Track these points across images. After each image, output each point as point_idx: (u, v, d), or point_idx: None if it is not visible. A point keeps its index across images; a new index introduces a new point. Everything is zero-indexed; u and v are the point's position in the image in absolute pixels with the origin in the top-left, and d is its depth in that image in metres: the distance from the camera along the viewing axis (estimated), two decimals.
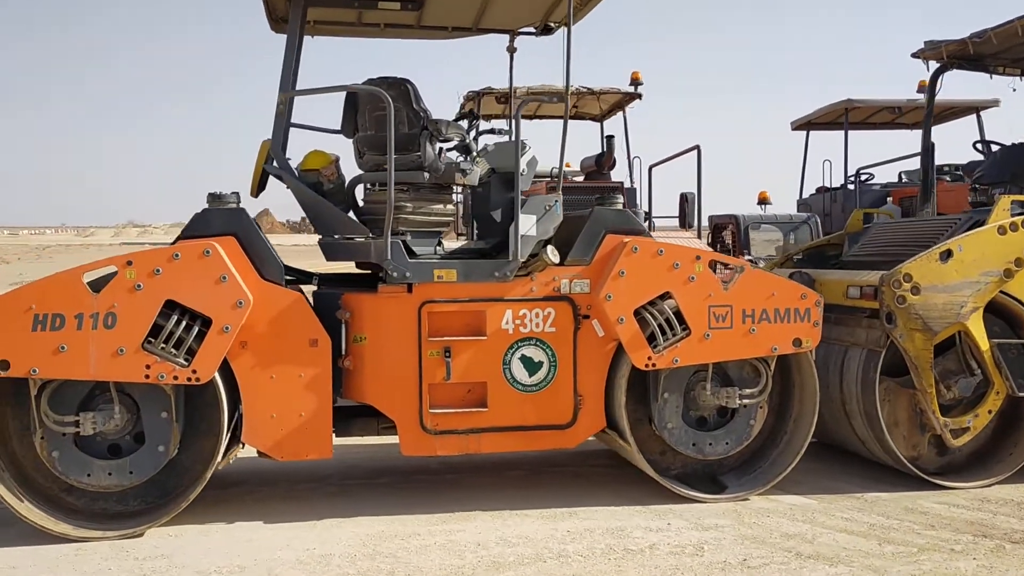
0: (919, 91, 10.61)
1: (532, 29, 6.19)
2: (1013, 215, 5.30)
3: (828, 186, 11.22)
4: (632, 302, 4.85)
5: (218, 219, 4.67)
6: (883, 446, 5.30)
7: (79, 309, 4.37)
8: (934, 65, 6.76)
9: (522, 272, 4.88)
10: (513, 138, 4.84)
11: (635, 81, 9.57)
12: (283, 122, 4.99)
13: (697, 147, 7.76)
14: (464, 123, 5.37)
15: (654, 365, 4.88)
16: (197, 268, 4.51)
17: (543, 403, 4.92)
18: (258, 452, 4.83)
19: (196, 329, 4.49)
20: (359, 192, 5.20)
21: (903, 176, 11.53)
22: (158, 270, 4.45)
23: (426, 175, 4.94)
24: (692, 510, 4.87)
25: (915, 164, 11.23)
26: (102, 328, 4.39)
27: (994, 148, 7.13)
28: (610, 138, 9.45)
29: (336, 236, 4.99)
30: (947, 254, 5.16)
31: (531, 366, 4.90)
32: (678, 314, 4.90)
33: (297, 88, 5.12)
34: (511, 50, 6.22)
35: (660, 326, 4.87)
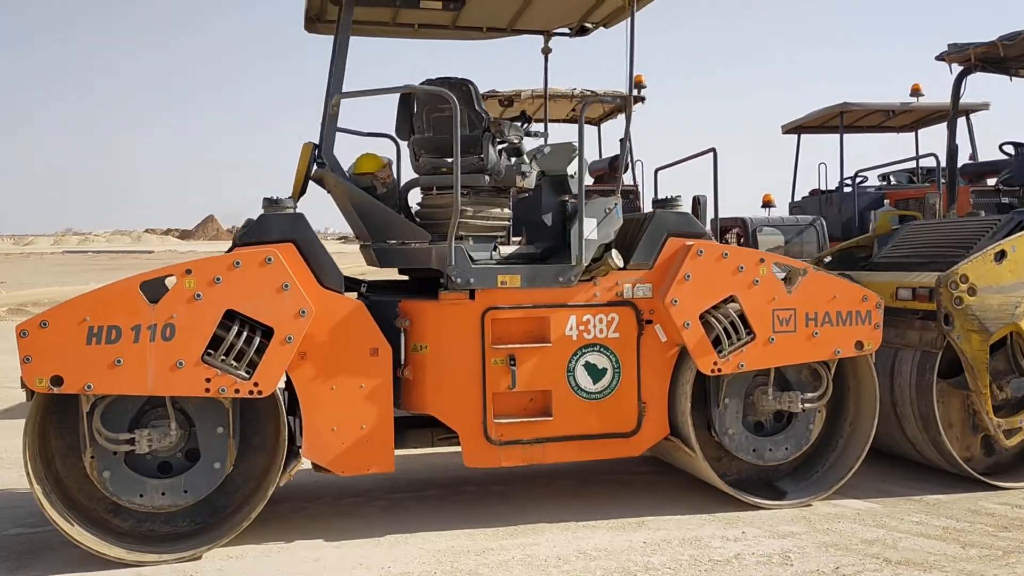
0: (912, 95, 10.74)
1: (567, 30, 6.10)
2: None
3: (823, 189, 11.29)
4: (698, 306, 4.77)
5: (276, 225, 4.48)
6: (938, 448, 5.29)
7: (136, 320, 4.15)
8: (957, 68, 6.80)
9: (585, 277, 4.77)
10: (577, 140, 4.71)
11: (638, 84, 9.51)
12: (333, 124, 4.81)
13: (713, 150, 7.72)
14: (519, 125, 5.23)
15: (720, 370, 4.80)
16: (258, 276, 4.31)
17: (607, 411, 4.81)
18: (314, 467, 4.64)
19: (257, 340, 4.29)
20: (412, 196, 5.04)
21: (892, 179, 11.66)
22: (218, 279, 4.25)
23: (487, 178, 4.80)
24: (759, 517, 4.80)
25: (906, 167, 11.38)
26: (160, 340, 4.17)
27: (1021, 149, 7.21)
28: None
29: (392, 241, 4.83)
30: (1001, 255, 5.17)
31: (595, 373, 4.78)
32: (742, 318, 4.83)
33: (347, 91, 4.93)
34: (546, 51, 6.11)
35: (725, 330, 4.79)
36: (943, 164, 10.49)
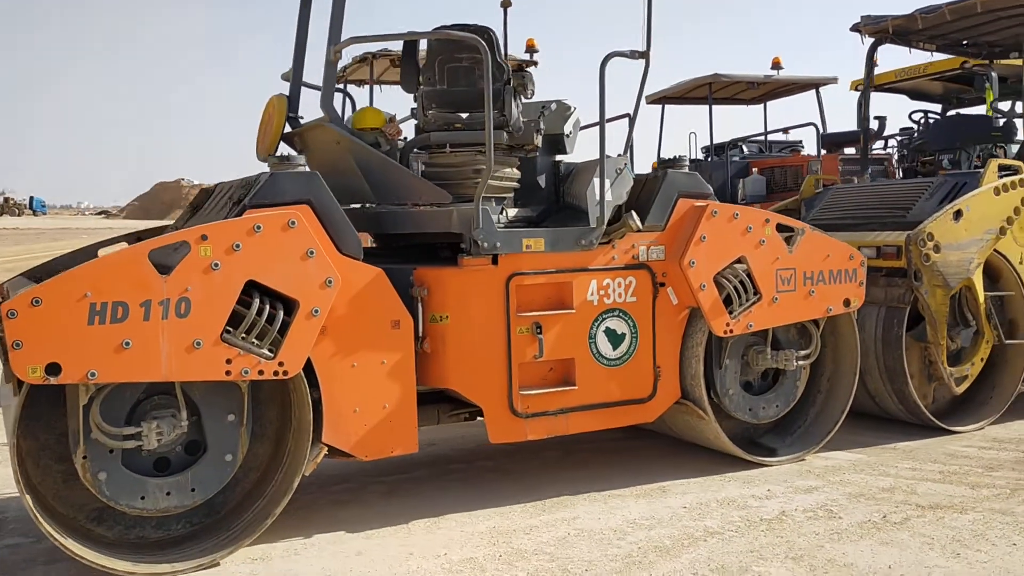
0: (772, 68, 11.27)
1: None
2: (1000, 177, 5.74)
3: (694, 158, 11.63)
4: (712, 268, 4.73)
5: (290, 185, 3.97)
6: (902, 398, 5.59)
7: (146, 295, 3.55)
8: (868, 40, 7.16)
9: (604, 240, 4.60)
10: (599, 98, 4.48)
11: (530, 48, 9.34)
12: (333, 74, 4.33)
13: (628, 115, 7.72)
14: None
15: (731, 331, 4.79)
16: (281, 242, 3.81)
17: (626, 377, 4.68)
18: (330, 452, 4.20)
19: (280, 314, 3.80)
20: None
21: (744, 148, 12.22)
22: (237, 245, 3.71)
23: (505, 135, 4.50)
24: (765, 475, 4.87)
25: (777, 137, 11.95)
26: (174, 318, 3.60)
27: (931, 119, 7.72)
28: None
29: (406, 204, 4.43)
30: (958, 214, 5.50)
31: (615, 339, 4.64)
32: (748, 279, 4.84)
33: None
34: (506, 5, 5.83)
35: (736, 291, 4.79)
36: (822, 132, 11.12)
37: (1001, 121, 6.87)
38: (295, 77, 4.87)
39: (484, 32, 4.39)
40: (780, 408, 5.21)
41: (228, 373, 3.71)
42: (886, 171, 9.99)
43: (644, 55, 4.55)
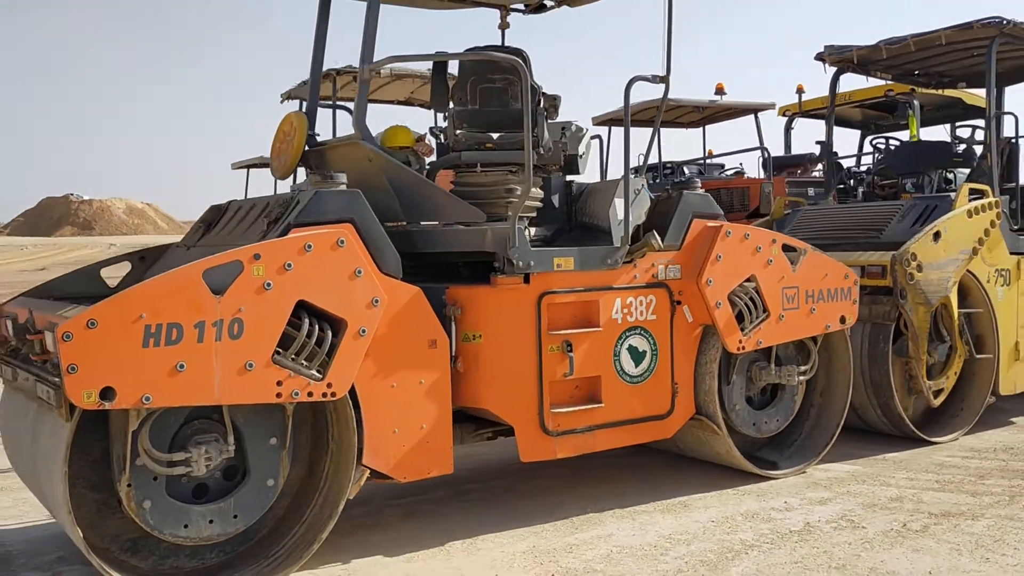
0: (716, 93, 11.60)
1: (522, 7, 5.90)
2: (971, 200, 6.08)
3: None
4: (727, 286, 4.86)
5: (333, 203, 3.91)
6: (886, 411, 5.84)
7: (200, 316, 3.44)
8: (831, 69, 7.48)
9: (627, 259, 4.68)
10: (624, 121, 4.56)
11: None
12: (366, 91, 4.29)
13: (599, 136, 7.86)
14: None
15: (743, 348, 4.93)
16: (330, 261, 3.76)
17: (647, 394, 4.76)
18: (372, 475, 4.13)
19: (329, 335, 3.74)
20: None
21: (686, 171, 12.50)
22: (289, 265, 3.64)
23: (535, 155, 4.53)
24: (774, 487, 5.02)
25: (714, 160, 12.24)
26: (227, 339, 3.50)
27: (891, 145, 8.08)
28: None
29: (437, 223, 4.42)
30: (937, 235, 5.80)
31: (636, 356, 4.71)
32: (759, 296, 4.99)
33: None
34: (503, 27, 5.85)
35: (748, 308, 4.93)
36: (773, 155, 11.44)
37: (961, 147, 7.27)
38: (312, 96, 4.81)
39: (519, 54, 4.42)
40: (780, 422, 5.37)
41: (279, 395, 3.63)
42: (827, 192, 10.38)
43: (664, 79, 4.66)
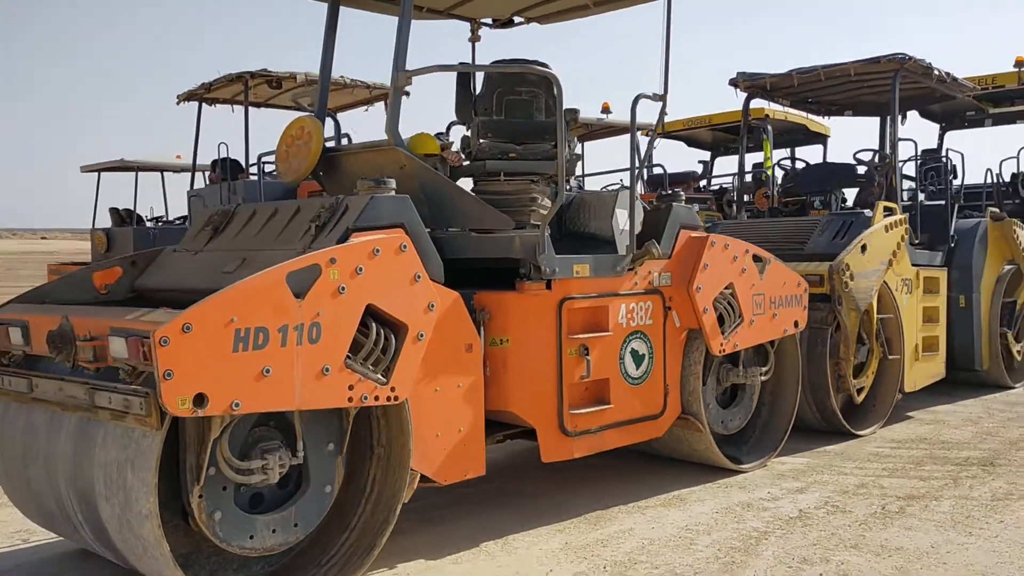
0: (603, 112, 12.08)
1: (490, 21, 6.06)
2: (885, 216, 6.76)
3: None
4: (712, 293, 5.21)
5: (387, 208, 3.92)
6: (822, 408, 6.39)
7: (283, 320, 3.39)
8: (743, 94, 8.08)
9: (630, 267, 4.92)
10: (630, 135, 4.82)
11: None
12: (399, 99, 4.32)
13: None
14: None
15: (724, 350, 5.29)
16: (394, 266, 3.78)
17: (644, 395, 5.02)
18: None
19: (393, 339, 3.76)
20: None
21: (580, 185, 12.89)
22: (360, 269, 3.64)
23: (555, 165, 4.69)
24: (749, 480, 5.40)
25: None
26: (307, 343, 3.46)
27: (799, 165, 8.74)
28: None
29: (466, 229, 4.49)
30: (864, 247, 6.42)
31: (637, 359, 4.96)
32: (736, 302, 5.37)
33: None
34: (474, 40, 6.00)
35: (726, 313, 5.30)
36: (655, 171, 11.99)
37: (862, 169, 8.03)
38: (321, 102, 4.77)
39: (545, 67, 4.58)
40: (742, 420, 5.78)
41: (350, 400, 3.62)
42: (710, 208, 11.09)
43: (662, 98, 4.96)
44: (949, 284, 7.78)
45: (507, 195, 4.65)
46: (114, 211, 14.86)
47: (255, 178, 9.13)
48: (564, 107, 4.68)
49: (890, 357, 6.84)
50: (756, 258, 5.56)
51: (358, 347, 3.64)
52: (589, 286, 4.71)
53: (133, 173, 14.34)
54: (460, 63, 4.45)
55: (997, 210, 8.55)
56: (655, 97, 4.92)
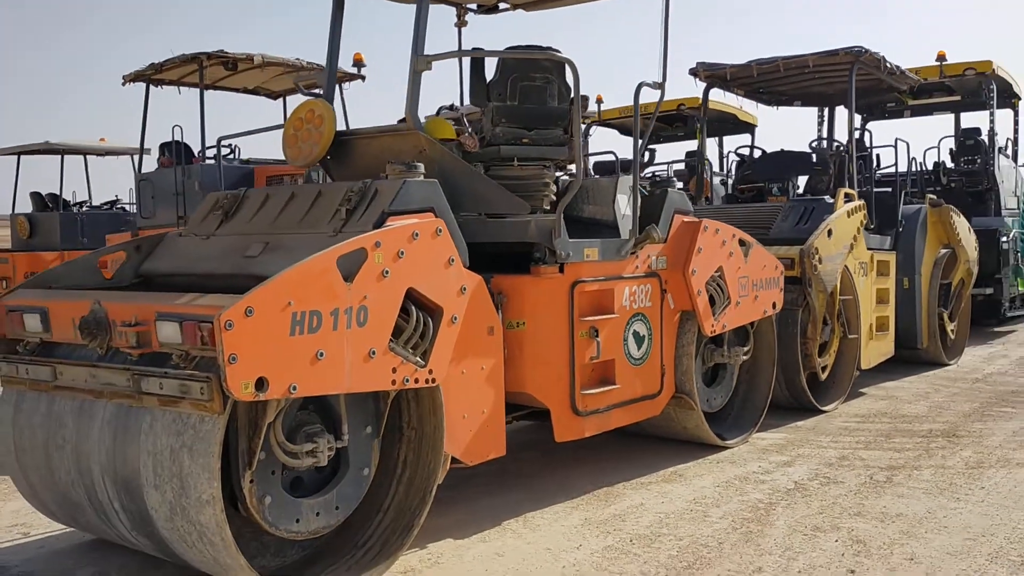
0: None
1: (475, 6, 6.09)
2: (845, 202, 7.07)
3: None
4: (705, 276, 5.39)
5: (418, 192, 3.94)
6: (791, 387, 6.66)
7: (335, 304, 3.39)
8: (702, 83, 8.30)
9: (633, 250, 5.05)
10: (634, 121, 4.93)
11: (357, 62, 9.33)
12: (418, 83, 4.33)
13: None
14: None
15: (715, 331, 5.48)
16: (432, 249, 3.81)
17: (645, 375, 5.16)
18: None
19: (431, 322, 3.80)
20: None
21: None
22: (402, 252, 3.66)
23: (567, 151, 4.78)
24: (736, 455, 5.62)
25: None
26: (355, 326, 3.47)
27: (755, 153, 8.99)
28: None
29: (480, 214, 4.53)
30: (830, 232, 6.71)
31: (638, 340, 5.10)
32: (724, 284, 5.56)
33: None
34: (460, 25, 6.02)
35: (716, 296, 5.49)
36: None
37: (815, 157, 8.34)
38: (329, 85, 4.73)
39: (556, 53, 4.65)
40: (723, 399, 6.00)
41: (393, 383, 3.65)
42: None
43: (660, 86, 5.09)
44: (897, 267, 8.17)
45: (521, 180, 4.71)
46: (36, 195, 14.28)
47: (211, 162, 8.92)
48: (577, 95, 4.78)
49: (850, 336, 7.17)
50: (741, 242, 5.76)
51: (398, 331, 3.66)
52: (598, 269, 4.82)
53: (59, 156, 13.81)
54: (474, 48, 4.49)
55: (935, 196, 9.01)
56: (654, 85, 5.05)
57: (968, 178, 12.11)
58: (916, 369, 8.73)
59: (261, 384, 3.14)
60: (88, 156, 14.84)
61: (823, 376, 6.96)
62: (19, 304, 3.93)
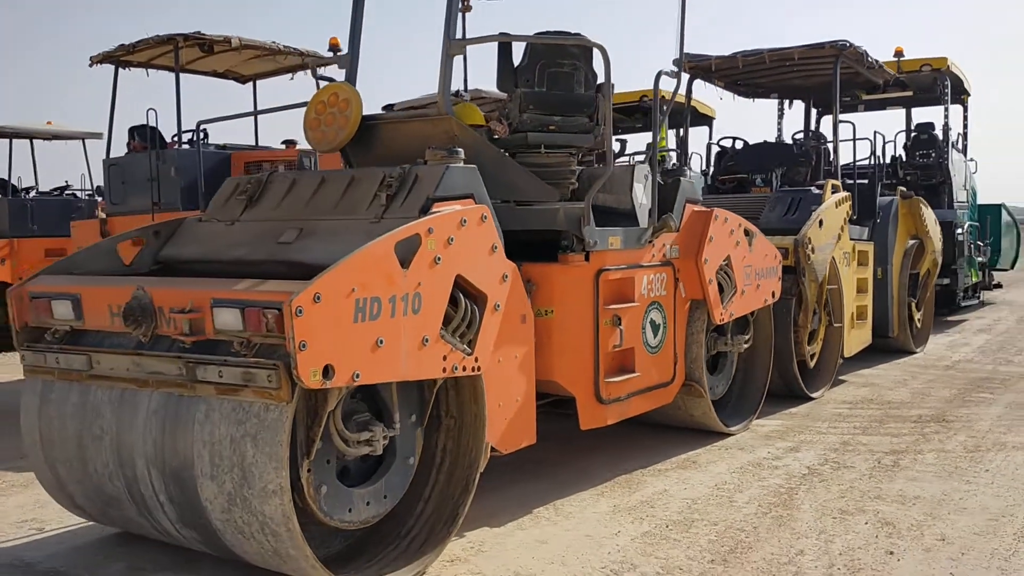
0: None
1: None
2: (832, 193, 7.22)
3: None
4: (716, 264, 5.45)
5: (460, 178, 3.91)
6: (784, 374, 6.78)
7: (392, 290, 3.35)
8: (686, 75, 8.38)
9: (651, 239, 5.08)
10: (653, 111, 4.95)
11: (333, 47, 9.17)
12: (450, 68, 4.29)
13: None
14: None
15: (723, 319, 5.55)
16: (478, 236, 3.78)
17: (660, 363, 5.20)
18: None
19: (476, 309, 3.78)
20: None
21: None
22: (451, 239, 3.62)
23: (592, 139, 4.78)
24: (740, 442, 5.71)
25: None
26: (411, 313, 3.43)
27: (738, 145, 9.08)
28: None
29: (509, 201, 4.51)
30: (821, 223, 6.84)
31: (655, 328, 5.14)
32: (732, 273, 5.64)
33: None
34: (465, 10, 5.98)
35: (724, 284, 5.56)
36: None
37: (795, 148, 8.49)
38: (352, 68, 4.66)
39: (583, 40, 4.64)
40: (724, 386, 6.08)
41: (444, 370, 3.62)
42: None
43: (677, 75, 5.13)
44: (874, 257, 8.38)
45: (549, 167, 4.70)
46: None
47: (187, 147, 8.66)
48: (599, 81, 4.79)
49: (835, 325, 7.33)
50: (746, 231, 5.85)
51: (446, 319, 3.63)
52: (620, 258, 4.84)
53: (7, 141, 13.29)
54: (500, 33, 4.45)
55: (904, 188, 9.26)
56: (672, 74, 5.08)
57: (923, 171, 12.45)
58: (887, 357, 8.97)
59: (327, 371, 3.09)
60: (35, 140, 14.34)
61: (811, 364, 7.10)
62: (45, 290, 3.79)
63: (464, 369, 3.71)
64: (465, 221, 3.70)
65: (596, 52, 4.58)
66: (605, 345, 4.71)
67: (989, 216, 14.52)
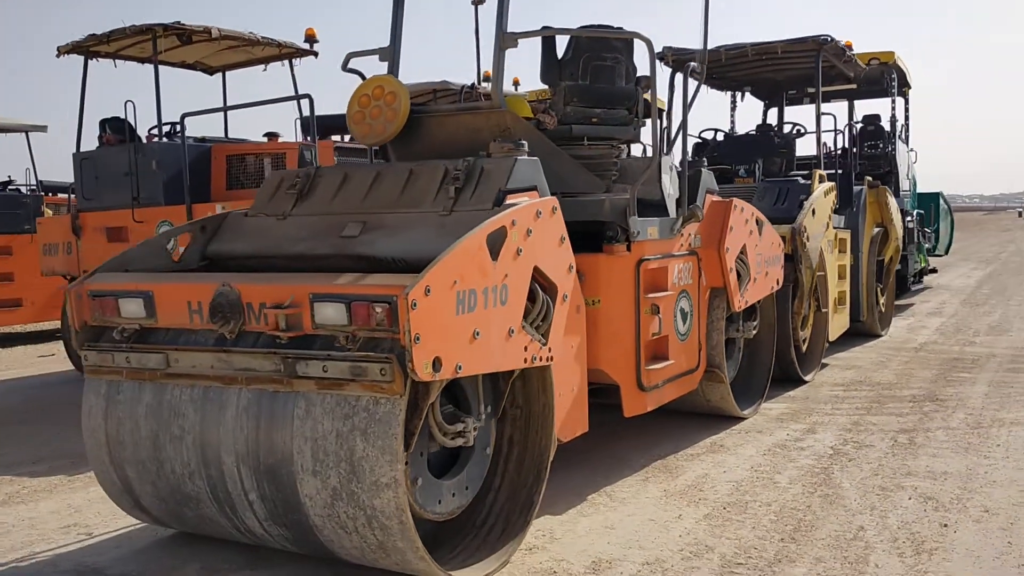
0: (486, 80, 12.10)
1: None
2: (820, 183, 7.46)
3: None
4: (735, 253, 5.60)
5: (527, 170, 3.94)
6: (780, 357, 6.99)
7: (485, 282, 3.37)
8: (667, 69, 8.52)
9: (680, 229, 5.19)
10: (683, 104, 5.06)
11: (309, 38, 9.04)
12: (502, 61, 4.31)
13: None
14: None
15: (741, 307, 5.71)
16: (550, 228, 3.82)
17: (688, 350, 5.32)
18: None
19: (549, 300, 3.82)
20: None
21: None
22: (530, 231, 3.66)
23: (632, 131, 4.86)
24: (755, 424, 5.89)
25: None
26: (499, 305, 3.46)
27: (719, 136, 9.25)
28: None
29: (556, 193, 4.55)
30: (814, 212, 7.07)
31: (684, 316, 5.26)
32: (747, 261, 5.80)
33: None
34: (477, 2, 5.99)
35: (742, 272, 5.71)
36: None
37: (777, 140, 8.73)
38: (394, 61, 4.64)
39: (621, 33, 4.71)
40: (734, 371, 6.25)
41: (525, 360, 3.66)
42: None
43: (699, 73, 5.25)
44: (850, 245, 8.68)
45: (593, 159, 4.76)
46: None
47: (166, 140, 8.44)
48: (638, 75, 4.87)
49: (822, 310, 7.59)
50: (757, 220, 6.01)
51: (524, 310, 3.67)
52: (657, 247, 4.93)
53: None
54: (544, 27, 4.49)
55: (871, 178, 9.60)
56: (692, 72, 5.19)
57: (870, 161, 12.90)
58: (858, 340, 9.31)
59: (436, 364, 3.10)
60: None
61: (804, 348, 7.33)
62: (109, 288, 3.69)
63: (541, 359, 3.75)
64: (540, 213, 3.74)
65: (635, 46, 4.67)
66: (645, 333, 4.81)
67: (932, 204, 15.12)
